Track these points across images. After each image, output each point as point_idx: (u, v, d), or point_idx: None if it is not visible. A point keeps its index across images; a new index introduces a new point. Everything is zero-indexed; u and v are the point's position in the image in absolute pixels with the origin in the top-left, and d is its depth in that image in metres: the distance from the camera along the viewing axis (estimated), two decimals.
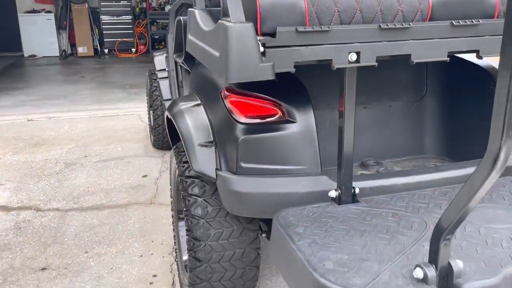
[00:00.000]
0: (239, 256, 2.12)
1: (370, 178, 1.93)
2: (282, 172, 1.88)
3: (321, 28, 1.51)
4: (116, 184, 3.98)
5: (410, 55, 1.64)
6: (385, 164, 2.44)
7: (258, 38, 1.48)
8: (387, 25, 1.58)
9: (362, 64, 1.58)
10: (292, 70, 1.52)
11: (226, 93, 1.99)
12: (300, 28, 1.49)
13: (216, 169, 1.97)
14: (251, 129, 1.89)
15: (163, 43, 11.75)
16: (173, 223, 2.72)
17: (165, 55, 4.32)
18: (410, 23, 1.61)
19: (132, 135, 5.29)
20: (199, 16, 1.89)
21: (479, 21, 1.70)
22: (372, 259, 1.39)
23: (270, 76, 1.43)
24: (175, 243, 2.63)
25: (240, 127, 1.89)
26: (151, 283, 2.66)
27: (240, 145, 1.86)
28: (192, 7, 2.18)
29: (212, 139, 2.04)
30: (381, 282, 1.28)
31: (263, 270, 2.75)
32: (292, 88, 1.99)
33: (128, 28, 11.88)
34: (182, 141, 2.09)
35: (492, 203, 1.74)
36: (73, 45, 11.68)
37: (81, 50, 11.52)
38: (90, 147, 4.92)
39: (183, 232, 2.45)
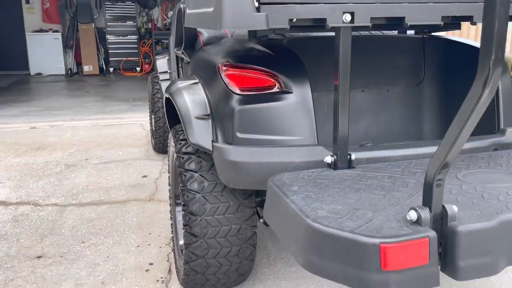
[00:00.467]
0: (235, 232, 2.09)
1: (367, 149, 1.93)
2: (278, 142, 1.87)
3: None
4: (115, 183, 3.97)
5: (404, 18, 1.65)
6: None
7: None
8: None
9: (356, 24, 1.59)
10: (287, 27, 1.53)
11: (223, 67, 2.01)
12: None
13: (212, 141, 1.97)
14: (247, 99, 1.89)
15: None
16: (170, 211, 2.71)
17: (166, 57, 4.37)
18: None
19: (134, 141, 5.31)
20: None
21: None
22: (366, 208, 1.38)
23: (264, 26, 1.45)
24: (172, 231, 2.60)
25: (236, 97, 1.90)
26: (147, 270, 2.62)
27: (236, 115, 1.87)
28: None
29: (209, 112, 2.04)
30: (374, 225, 1.26)
31: (261, 259, 2.71)
32: (288, 60, 2.00)
33: (134, 47, 12.08)
34: (179, 115, 2.10)
35: (490, 169, 1.73)
36: (79, 63, 11.86)
37: (86, 68, 11.67)
38: (91, 151, 4.93)
39: (179, 218, 2.43)
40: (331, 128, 1.79)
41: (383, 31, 2.79)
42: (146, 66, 12.07)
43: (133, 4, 12.04)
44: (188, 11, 2.07)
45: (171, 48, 3.80)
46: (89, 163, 4.51)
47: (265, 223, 2.33)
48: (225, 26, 1.43)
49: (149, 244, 2.91)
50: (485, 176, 1.65)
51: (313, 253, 1.28)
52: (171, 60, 3.88)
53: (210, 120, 2.02)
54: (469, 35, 6.97)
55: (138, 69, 12.06)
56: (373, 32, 2.71)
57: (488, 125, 2.21)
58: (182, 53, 2.91)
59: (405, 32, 2.86)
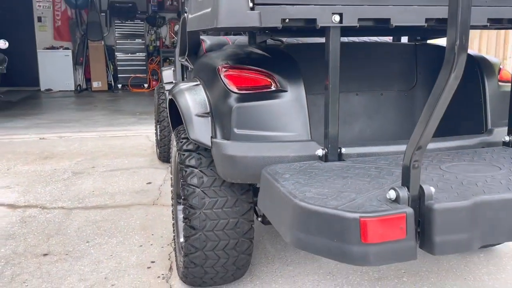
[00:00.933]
0: (233, 225, 2.18)
1: (357, 144, 2.03)
2: (273, 138, 1.98)
3: None
4: (120, 189, 4.08)
5: (389, 19, 1.77)
6: None
7: None
8: None
9: (345, 24, 1.71)
10: (279, 25, 1.65)
11: (223, 68, 2.14)
12: None
13: (211, 137, 2.08)
14: (244, 97, 2.01)
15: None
16: (172, 211, 2.80)
17: (172, 69, 4.52)
18: None
19: (139, 151, 5.44)
20: None
21: None
22: (351, 191, 1.47)
23: (257, 23, 1.57)
24: (174, 230, 2.69)
25: (234, 96, 2.02)
26: (148, 267, 2.71)
27: (234, 112, 1.98)
28: None
29: (208, 111, 2.16)
30: (356, 203, 1.36)
31: (260, 259, 2.79)
32: (283, 62, 2.13)
33: (142, 64, 12.33)
34: (181, 114, 2.22)
35: (473, 162, 1.82)
36: (88, 80, 12.09)
37: (95, 84, 11.90)
38: (98, 160, 5.06)
39: (181, 216, 2.53)
40: None
41: (378, 38, 2.92)
42: (154, 82, 12.27)
43: (142, 22, 12.34)
44: (189, 16, 2.21)
45: (177, 58, 3.95)
46: (96, 171, 4.64)
47: (262, 221, 2.42)
48: (221, 23, 1.56)
49: (151, 244, 3.00)
50: (467, 167, 1.75)
51: (300, 230, 1.37)
52: (176, 71, 4.02)
53: (209, 117, 2.13)
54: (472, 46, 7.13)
55: (145, 85, 12.27)
56: (369, 39, 2.83)
57: (477, 125, 2.31)
58: (186, 60, 3.05)
59: (400, 40, 2.99)
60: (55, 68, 11.72)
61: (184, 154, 2.24)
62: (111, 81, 12.11)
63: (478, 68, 2.36)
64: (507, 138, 2.12)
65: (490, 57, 2.49)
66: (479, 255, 2.84)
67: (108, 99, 10.41)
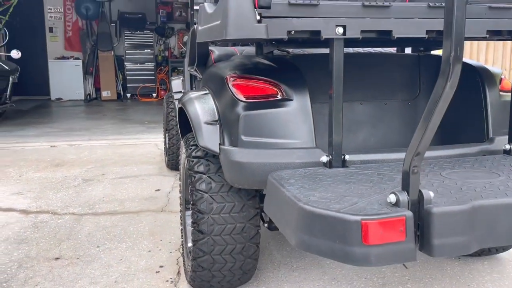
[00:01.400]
0: (240, 230, 2.24)
1: (361, 152, 2.09)
2: (279, 145, 2.04)
3: (310, 2, 1.74)
4: (130, 196, 4.16)
5: (391, 31, 1.84)
6: None
7: (255, 10, 1.71)
8: (370, 3, 1.81)
9: (348, 36, 1.78)
10: (285, 37, 1.73)
11: (231, 78, 2.21)
12: (292, 1, 1.72)
13: (220, 144, 2.15)
14: (252, 106, 2.08)
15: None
16: (180, 217, 2.87)
17: (181, 79, 4.62)
18: (390, 2, 1.83)
19: (148, 159, 5.53)
20: (207, 6, 2.15)
21: None
22: (353, 195, 1.53)
23: (264, 35, 1.65)
24: (182, 236, 2.76)
25: (242, 104, 2.09)
26: (157, 272, 2.77)
27: (241, 120, 2.06)
28: None
29: (217, 118, 2.23)
30: (358, 206, 1.42)
31: (266, 264, 2.84)
32: (289, 71, 2.20)
33: (151, 74, 12.49)
34: (190, 122, 2.29)
35: (474, 169, 1.87)
36: (97, 89, 12.27)
37: (105, 94, 12.07)
38: (108, 167, 5.15)
39: (189, 222, 2.59)
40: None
41: (383, 49, 2.99)
42: (162, 92, 12.42)
43: (151, 33, 12.52)
44: (199, 28, 2.30)
45: (186, 68, 4.05)
46: (105, 178, 4.72)
47: (268, 227, 2.48)
48: (230, 35, 1.64)
49: (160, 249, 3.07)
50: (467, 174, 1.80)
51: (304, 232, 1.43)
52: (185, 80, 4.12)
53: (218, 125, 2.21)
54: (479, 58, 7.18)
55: (154, 95, 12.42)
56: (373, 50, 2.90)
57: (478, 134, 2.36)
58: (195, 70, 3.13)
59: (404, 51, 3.06)
60: (66, 77, 11.91)
61: (193, 161, 2.31)
62: (120, 91, 12.28)
63: (480, 78, 2.42)
64: (507, 147, 2.18)
65: (492, 68, 2.55)
66: (483, 263, 2.88)
67: (117, 108, 10.56)
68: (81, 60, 12.20)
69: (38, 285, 2.61)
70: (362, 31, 1.80)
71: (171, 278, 2.69)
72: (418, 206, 1.40)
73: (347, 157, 1.95)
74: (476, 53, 7.37)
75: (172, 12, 12.83)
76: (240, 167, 2.03)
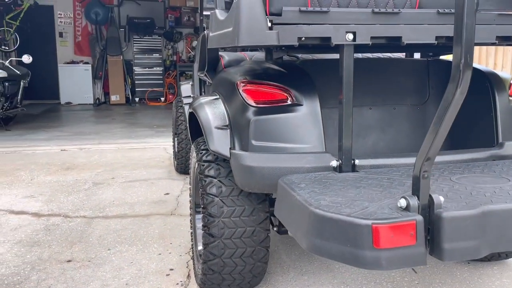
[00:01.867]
0: (250, 234, 2.27)
1: (370, 156, 2.10)
2: (289, 150, 2.07)
3: (320, 9, 1.77)
4: (139, 199, 4.20)
5: (401, 37, 1.86)
6: None
7: (267, 17, 1.74)
8: (379, 10, 1.83)
9: (358, 42, 1.81)
10: (296, 43, 1.76)
11: (241, 83, 2.24)
12: (303, 8, 1.75)
13: (230, 148, 2.18)
14: (262, 111, 2.11)
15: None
16: (190, 220, 2.90)
17: (190, 83, 4.66)
18: (400, 9, 1.86)
19: (157, 163, 5.57)
20: (219, 13, 2.18)
21: None
22: (364, 200, 1.55)
23: (276, 41, 1.67)
24: (192, 239, 2.79)
25: (252, 109, 2.12)
26: (167, 274, 2.80)
27: (251, 125, 2.08)
28: None
29: (227, 123, 2.26)
30: (368, 211, 1.44)
31: (275, 268, 2.86)
32: (298, 77, 2.23)
33: (159, 78, 12.59)
34: (201, 126, 2.32)
35: (483, 174, 1.88)
36: (106, 93, 12.37)
37: (113, 98, 12.17)
38: (117, 171, 5.20)
39: (199, 225, 2.62)
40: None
41: (392, 54, 3.01)
42: (170, 96, 12.50)
43: (160, 38, 12.62)
44: (211, 34, 2.33)
45: (195, 73, 4.09)
46: (115, 182, 4.77)
47: (278, 231, 2.50)
48: (242, 42, 1.67)
49: (170, 253, 3.10)
50: (477, 179, 1.81)
51: (315, 236, 1.45)
52: (195, 85, 4.15)
53: (228, 130, 2.23)
54: (488, 63, 7.17)
55: (162, 99, 12.50)
56: (382, 55, 2.92)
57: (488, 139, 2.37)
58: (205, 75, 3.17)
59: (413, 56, 3.07)
60: (75, 82, 12.04)
61: (203, 165, 2.34)
62: (128, 95, 12.37)
63: (489, 84, 2.43)
64: None
65: (501, 73, 2.56)
66: (493, 268, 2.87)
67: (126, 112, 10.64)
68: (90, 65, 12.32)
69: (51, 287, 2.64)
70: (372, 37, 1.82)
71: (181, 281, 2.72)
72: (428, 210, 1.42)
73: (357, 161, 1.96)
74: (485, 58, 7.36)
75: (180, 17, 12.92)
76: (250, 171, 2.05)
